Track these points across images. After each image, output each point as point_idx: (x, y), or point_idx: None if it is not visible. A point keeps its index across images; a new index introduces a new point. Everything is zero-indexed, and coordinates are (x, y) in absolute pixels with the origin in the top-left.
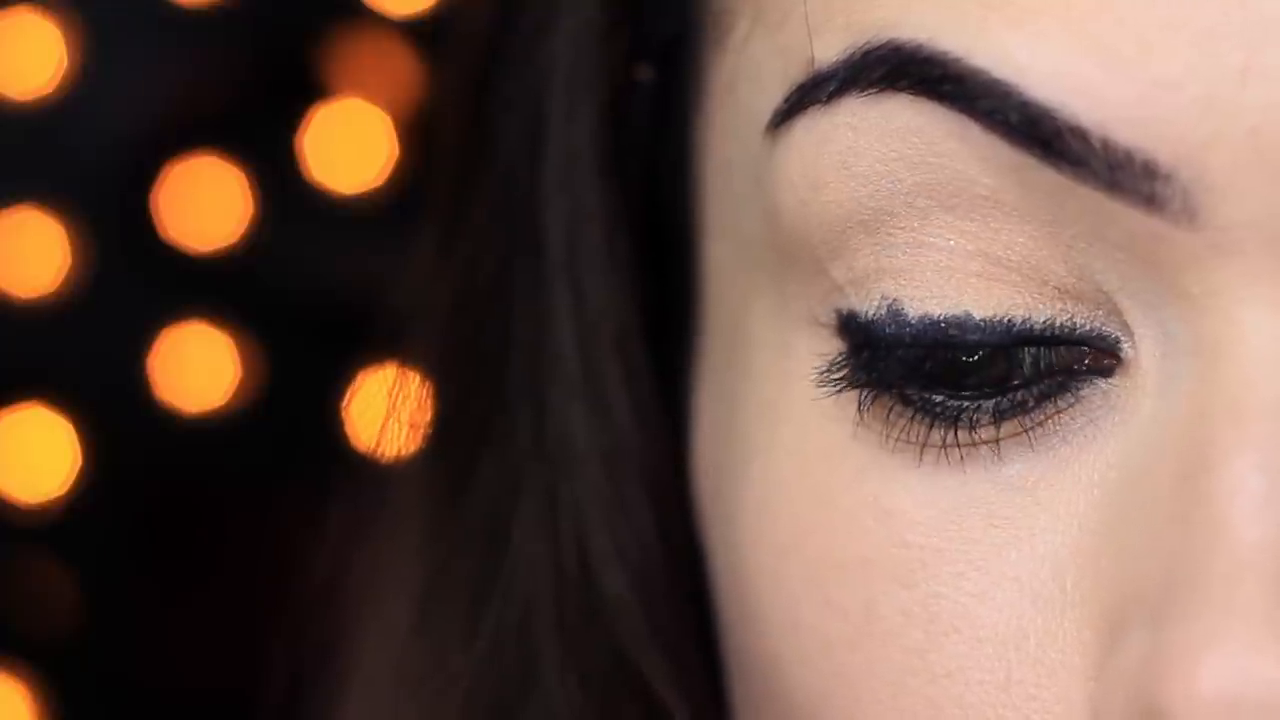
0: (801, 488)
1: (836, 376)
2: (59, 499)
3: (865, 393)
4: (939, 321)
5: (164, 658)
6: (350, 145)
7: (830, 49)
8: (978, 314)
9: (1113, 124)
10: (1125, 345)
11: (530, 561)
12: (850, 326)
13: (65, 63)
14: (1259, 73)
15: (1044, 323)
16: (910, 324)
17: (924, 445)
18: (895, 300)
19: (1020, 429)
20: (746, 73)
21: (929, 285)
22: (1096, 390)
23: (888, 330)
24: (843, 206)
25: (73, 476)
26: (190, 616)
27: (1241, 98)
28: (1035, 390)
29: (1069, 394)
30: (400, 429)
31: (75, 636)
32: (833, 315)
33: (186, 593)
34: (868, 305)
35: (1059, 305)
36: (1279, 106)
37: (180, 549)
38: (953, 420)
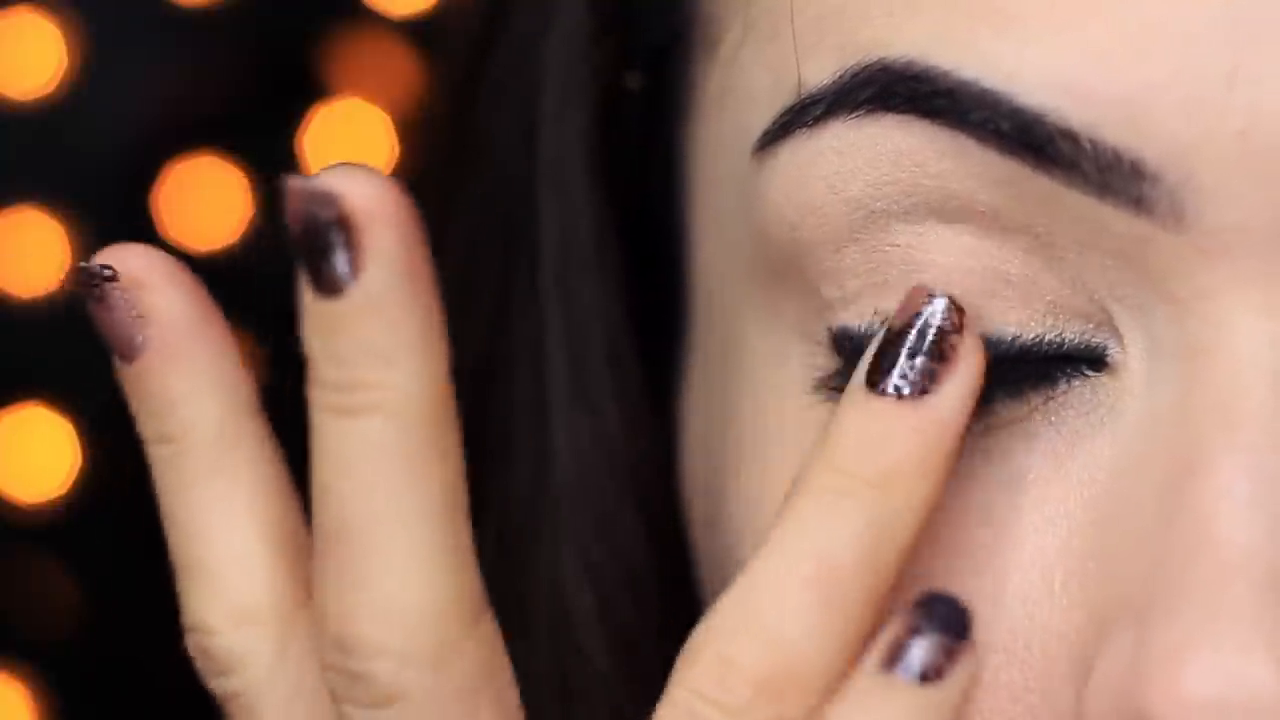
0: None
1: (832, 387)
2: (59, 499)
3: None
4: None
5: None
6: (350, 145)
7: (820, 71)
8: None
9: (1101, 124)
10: (1114, 350)
11: (523, 562)
12: (843, 342)
13: (65, 63)
14: (1247, 76)
15: (1033, 339)
16: None
17: None
18: (889, 316)
19: (1012, 433)
20: (735, 87)
21: None
22: (1085, 390)
23: None
24: (832, 229)
25: (73, 476)
26: None
27: (1229, 100)
28: (1024, 399)
29: (1058, 397)
30: None
31: (75, 636)
32: (825, 332)
33: None
34: (861, 322)
35: (1049, 321)
36: (1266, 110)
37: None
38: None
